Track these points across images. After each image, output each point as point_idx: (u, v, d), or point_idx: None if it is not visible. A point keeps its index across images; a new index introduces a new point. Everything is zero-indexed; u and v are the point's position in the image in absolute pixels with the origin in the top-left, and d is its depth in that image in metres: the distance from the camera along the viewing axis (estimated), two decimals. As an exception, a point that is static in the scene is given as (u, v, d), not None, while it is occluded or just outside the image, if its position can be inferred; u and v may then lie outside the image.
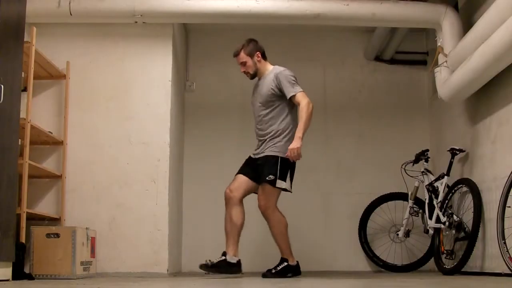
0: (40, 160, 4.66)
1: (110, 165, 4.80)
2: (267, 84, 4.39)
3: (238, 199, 4.37)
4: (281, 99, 4.37)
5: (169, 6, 4.76)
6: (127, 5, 4.72)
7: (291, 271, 4.42)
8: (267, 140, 4.38)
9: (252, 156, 4.48)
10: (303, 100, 4.26)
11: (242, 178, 4.43)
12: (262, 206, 4.36)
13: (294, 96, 4.29)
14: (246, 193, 4.46)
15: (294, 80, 4.34)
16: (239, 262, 4.34)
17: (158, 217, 4.76)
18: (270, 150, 4.35)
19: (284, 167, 4.31)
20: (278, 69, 4.41)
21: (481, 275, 4.34)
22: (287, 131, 4.36)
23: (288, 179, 4.34)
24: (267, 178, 4.30)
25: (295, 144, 4.21)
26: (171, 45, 5.01)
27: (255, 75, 4.50)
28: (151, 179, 4.80)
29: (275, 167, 4.30)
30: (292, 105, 4.38)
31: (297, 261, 4.47)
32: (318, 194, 5.86)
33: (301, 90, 4.31)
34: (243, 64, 4.46)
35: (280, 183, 4.29)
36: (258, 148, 4.46)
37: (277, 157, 4.31)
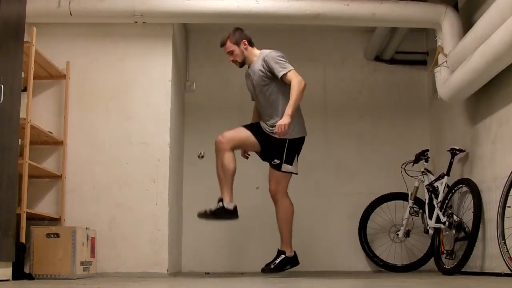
0: (40, 160, 4.66)
1: (110, 165, 4.80)
2: (257, 69, 4.41)
3: (228, 149, 4.34)
4: (276, 80, 4.37)
5: (169, 6, 4.76)
6: (127, 5, 4.72)
7: (290, 262, 4.43)
8: (278, 119, 4.34)
9: (264, 129, 4.42)
10: (294, 78, 4.25)
11: (243, 132, 4.43)
12: (272, 190, 4.44)
13: (285, 75, 4.28)
14: (237, 147, 4.46)
15: (282, 60, 4.33)
16: (235, 208, 4.36)
17: (158, 217, 4.76)
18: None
19: (292, 150, 4.36)
20: (265, 52, 4.42)
21: (481, 275, 4.34)
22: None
23: (295, 161, 4.38)
24: (272, 162, 4.38)
25: (284, 120, 4.18)
26: (171, 45, 5.01)
27: (244, 63, 4.52)
28: (151, 179, 4.80)
29: (282, 150, 4.33)
30: (286, 85, 4.35)
31: (295, 251, 4.47)
32: (318, 194, 5.85)
33: (292, 68, 4.30)
34: (231, 53, 4.46)
35: (286, 167, 4.35)
36: (266, 123, 4.43)
37: (285, 140, 4.32)
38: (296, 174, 4.45)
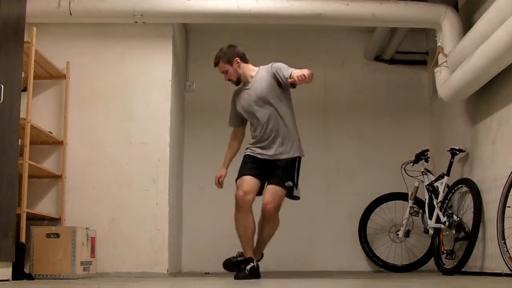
0: (40, 160, 4.66)
1: (110, 165, 4.80)
2: (263, 80, 4.22)
3: (251, 203, 4.16)
4: (285, 91, 4.25)
5: (169, 6, 4.76)
6: (127, 5, 4.72)
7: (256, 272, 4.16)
8: (285, 137, 4.19)
9: (260, 157, 4.22)
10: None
11: (253, 180, 4.18)
12: (272, 207, 4.11)
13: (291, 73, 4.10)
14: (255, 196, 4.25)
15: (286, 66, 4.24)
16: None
17: (158, 217, 4.76)
18: (293, 151, 4.19)
19: (298, 171, 4.21)
20: (266, 66, 4.29)
21: (481, 275, 4.34)
22: (295, 126, 4.27)
23: (299, 186, 4.24)
24: (286, 184, 4.13)
25: (303, 70, 3.98)
26: (171, 45, 5.01)
27: (239, 80, 4.33)
28: (151, 179, 4.80)
29: (294, 172, 4.17)
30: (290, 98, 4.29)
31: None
32: (318, 194, 5.85)
33: None
34: (225, 72, 4.29)
35: (296, 192, 4.19)
36: (269, 149, 4.21)
37: (296, 158, 4.18)
38: (299, 199, 4.27)
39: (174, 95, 5.14)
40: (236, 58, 4.28)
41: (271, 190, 4.14)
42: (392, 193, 5.44)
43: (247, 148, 4.33)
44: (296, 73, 4.03)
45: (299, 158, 4.22)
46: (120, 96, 4.90)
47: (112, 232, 4.70)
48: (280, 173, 4.17)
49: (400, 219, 5.32)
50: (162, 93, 4.93)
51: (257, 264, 4.15)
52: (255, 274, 4.06)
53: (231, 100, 4.41)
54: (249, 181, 4.17)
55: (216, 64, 4.32)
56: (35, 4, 4.55)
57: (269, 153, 4.21)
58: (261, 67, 4.31)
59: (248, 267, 4.05)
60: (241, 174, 4.23)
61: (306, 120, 5.92)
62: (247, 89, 4.29)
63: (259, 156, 4.25)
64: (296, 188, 4.19)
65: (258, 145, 4.26)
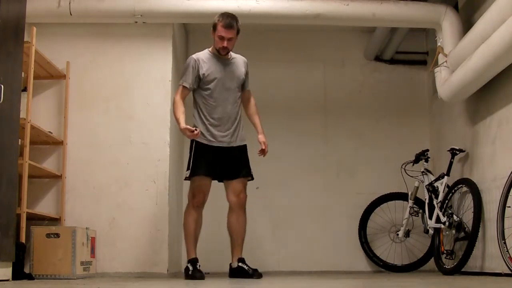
0: (40, 160, 4.66)
1: (110, 165, 4.80)
2: (239, 67, 4.38)
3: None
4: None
5: (169, 6, 4.76)
6: (127, 5, 4.72)
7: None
8: (239, 125, 4.34)
9: (215, 144, 4.24)
10: (252, 97, 4.45)
11: (209, 181, 4.29)
12: (243, 200, 4.29)
13: (248, 90, 4.45)
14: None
15: None
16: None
17: (158, 217, 4.76)
18: (242, 138, 4.35)
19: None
20: (240, 56, 4.44)
21: (481, 275, 4.34)
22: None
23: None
24: (251, 173, 4.33)
25: (265, 138, 4.32)
26: (171, 45, 5.01)
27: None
28: (151, 179, 4.80)
29: (246, 157, 4.33)
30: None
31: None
32: (318, 194, 5.85)
33: None
34: (230, 40, 4.23)
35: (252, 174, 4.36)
36: (226, 132, 4.27)
37: (245, 145, 4.35)
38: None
39: (174, 95, 5.13)
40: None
41: (234, 185, 4.27)
42: (392, 193, 5.44)
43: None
44: (266, 144, 4.33)
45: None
46: (120, 96, 4.90)
47: (112, 232, 4.70)
48: (243, 163, 4.30)
49: (400, 219, 5.32)
50: (162, 93, 4.93)
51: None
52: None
53: (192, 61, 4.29)
54: (207, 183, 4.27)
55: (231, 27, 4.20)
56: (35, 4, 4.55)
57: (225, 138, 4.27)
58: (233, 53, 4.41)
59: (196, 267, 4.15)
60: (198, 171, 4.22)
61: (306, 120, 5.94)
62: (231, 62, 4.36)
63: (213, 143, 4.25)
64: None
65: (215, 128, 4.26)
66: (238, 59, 4.42)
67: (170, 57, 5.00)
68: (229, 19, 4.22)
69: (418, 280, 3.86)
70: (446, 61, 4.80)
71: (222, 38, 4.23)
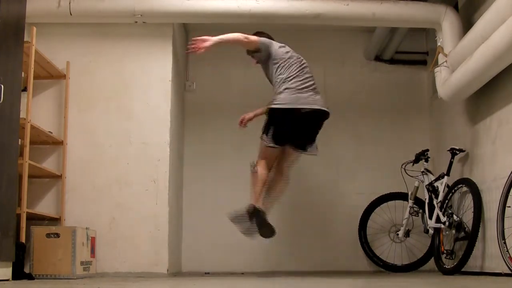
0: (40, 160, 4.66)
1: (110, 165, 4.80)
2: None
3: None
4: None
5: (169, 6, 4.76)
6: (127, 5, 4.72)
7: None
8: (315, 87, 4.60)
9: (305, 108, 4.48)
10: None
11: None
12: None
13: None
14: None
15: None
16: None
17: (158, 217, 4.76)
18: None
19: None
20: None
21: (481, 275, 4.34)
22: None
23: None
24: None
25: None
26: (171, 45, 5.01)
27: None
28: (151, 179, 4.80)
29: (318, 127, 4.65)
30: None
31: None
32: (318, 194, 5.85)
33: None
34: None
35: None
36: (312, 96, 4.56)
37: (327, 113, 4.60)
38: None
39: (174, 95, 5.14)
40: None
41: (290, 151, 4.53)
42: (392, 193, 5.44)
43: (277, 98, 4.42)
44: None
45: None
46: (120, 96, 4.90)
47: (112, 232, 4.70)
48: (307, 133, 4.59)
49: (400, 219, 5.32)
50: (162, 93, 4.94)
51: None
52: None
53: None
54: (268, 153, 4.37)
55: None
56: (35, 4, 4.55)
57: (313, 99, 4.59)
58: None
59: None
60: (279, 141, 4.37)
61: (306, 120, 5.93)
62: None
63: (302, 107, 4.48)
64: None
65: (297, 88, 4.53)
66: None
67: (170, 57, 5.00)
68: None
69: (418, 280, 3.87)
70: (446, 61, 4.80)
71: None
